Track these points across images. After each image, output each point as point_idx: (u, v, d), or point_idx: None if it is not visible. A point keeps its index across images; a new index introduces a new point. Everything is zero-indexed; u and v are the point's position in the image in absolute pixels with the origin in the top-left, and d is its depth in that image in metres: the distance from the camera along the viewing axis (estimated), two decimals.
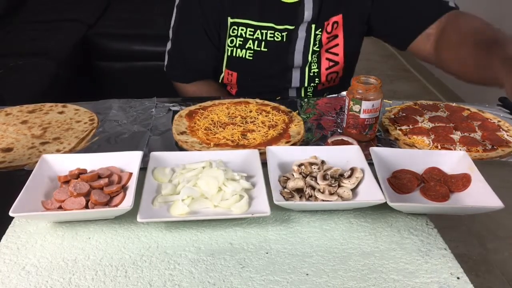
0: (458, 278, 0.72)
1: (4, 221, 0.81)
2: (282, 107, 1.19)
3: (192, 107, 1.19)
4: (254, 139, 1.05)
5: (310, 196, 0.86)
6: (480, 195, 0.85)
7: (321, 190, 0.85)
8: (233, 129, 1.09)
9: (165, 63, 1.40)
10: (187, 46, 1.34)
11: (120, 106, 1.22)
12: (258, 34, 1.24)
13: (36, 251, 0.76)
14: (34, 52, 2.33)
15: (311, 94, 1.38)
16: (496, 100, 1.29)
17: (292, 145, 1.04)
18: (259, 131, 1.08)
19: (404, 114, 1.17)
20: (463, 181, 0.89)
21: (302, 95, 1.37)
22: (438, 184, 0.90)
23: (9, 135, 1.08)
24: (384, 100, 1.16)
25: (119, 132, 1.11)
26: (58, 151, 1.02)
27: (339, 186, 0.87)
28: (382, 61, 3.95)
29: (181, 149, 1.04)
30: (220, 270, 0.73)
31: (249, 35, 1.24)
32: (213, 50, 1.31)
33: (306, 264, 0.74)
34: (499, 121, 1.15)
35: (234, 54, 1.27)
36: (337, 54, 1.32)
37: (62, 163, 0.91)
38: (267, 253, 0.76)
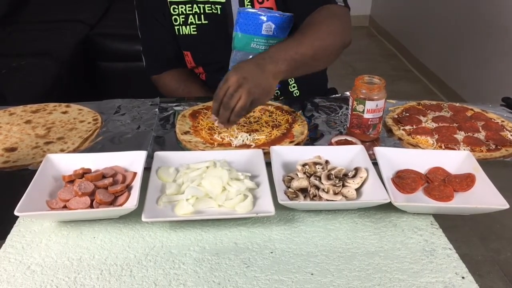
0: (463, 278, 0.72)
1: (9, 220, 0.82)
2: (285, 107, 1.19)
3: (196, 107, 1.19)
4: (258, 139, 1.05)
5: (315, 196, 0.86)
6: (484, 195, 0.85)
7: (326, 190, 0.85)
8: (236, 129, 1.09)
9: (144, 65, 1.46)
10: (150, 39, 1.40)
11: (124, 106, 1.23)
12: (196, 8, 1.29)
13: (41, 250, 0.77)
14: (36, 52, 2.34)
15: None
16: (500, 100, 1.29)
17: (296, 145, 1.04)
18: (263, 131, 1.09)
19: (407, 114, 1.17)
20: (467, 181, 0.89)
21: None
22: (443, 184, 0.90)
23: (13, 135, 1.08)
24: (388, 100, 1.17)
25: (122, 132, 1.11)
26: (62, 150, 1.02)
27: (344, 185, 0.87)
28: (383, 61, 3.94)
29: (184, 149, 1.04)
30: (225, 269, 0.73)
31: (188, 10, 1.29)
32: (169, 35, 1.35)
33: (311, 264, 0.74)
34: (502, 121, 1.15)
35: (181, 33, 1.32)
36: None
37: (67, 162, 0.91)
38: (271, 252, 0.76)
